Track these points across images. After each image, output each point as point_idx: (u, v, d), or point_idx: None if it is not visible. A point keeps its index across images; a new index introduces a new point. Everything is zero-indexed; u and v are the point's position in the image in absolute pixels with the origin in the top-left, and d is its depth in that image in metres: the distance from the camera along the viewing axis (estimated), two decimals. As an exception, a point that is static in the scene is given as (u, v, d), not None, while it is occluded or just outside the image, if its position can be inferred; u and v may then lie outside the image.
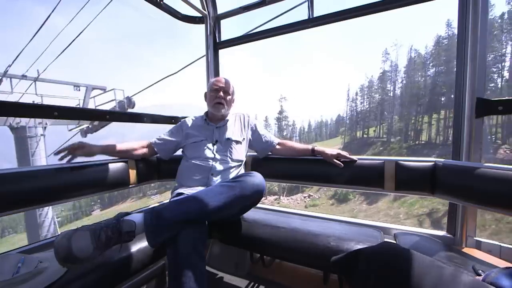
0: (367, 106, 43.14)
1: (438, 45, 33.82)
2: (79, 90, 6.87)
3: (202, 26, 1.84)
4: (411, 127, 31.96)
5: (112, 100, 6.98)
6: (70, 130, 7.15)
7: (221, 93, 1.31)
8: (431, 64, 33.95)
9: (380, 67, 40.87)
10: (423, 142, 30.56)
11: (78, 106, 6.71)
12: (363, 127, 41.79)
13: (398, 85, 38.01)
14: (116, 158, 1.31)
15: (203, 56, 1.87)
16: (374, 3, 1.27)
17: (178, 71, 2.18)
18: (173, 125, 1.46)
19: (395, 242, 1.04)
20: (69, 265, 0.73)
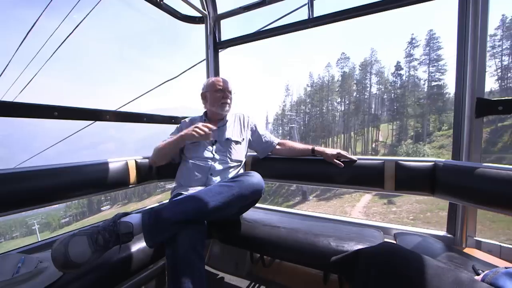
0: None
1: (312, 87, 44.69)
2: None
3: (202, 26, 1.84)
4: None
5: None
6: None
7: (226, 93, 1.32)
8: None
9: (283, 101, 52.29)
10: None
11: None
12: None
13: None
14: (116, 158, 1.33)
15: (203, 60, 1.87)
16: (374, 3, 1.27)
17: (179, 75, 2.15)
18: (171, 125, 1.46)
19: (395, 242, 1.04)
20: (68, 270, 0.73)
